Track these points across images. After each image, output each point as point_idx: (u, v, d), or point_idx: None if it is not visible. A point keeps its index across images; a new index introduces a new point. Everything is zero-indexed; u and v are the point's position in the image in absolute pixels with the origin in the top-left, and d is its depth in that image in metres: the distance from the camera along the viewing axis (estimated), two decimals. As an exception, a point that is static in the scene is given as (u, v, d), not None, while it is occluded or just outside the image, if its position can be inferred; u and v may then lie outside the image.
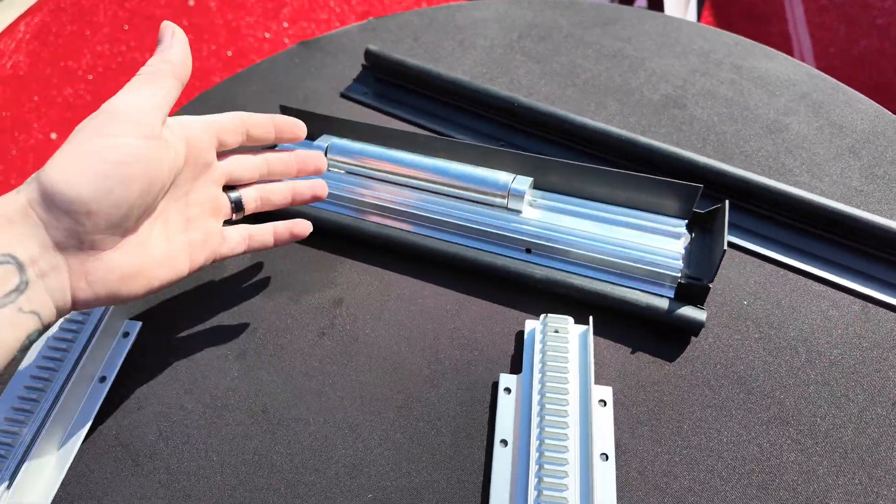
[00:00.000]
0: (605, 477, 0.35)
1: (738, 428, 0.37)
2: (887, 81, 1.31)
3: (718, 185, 0.48)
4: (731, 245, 0.47)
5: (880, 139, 0.52)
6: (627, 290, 0.43)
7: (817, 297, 0.43)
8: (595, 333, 0.42)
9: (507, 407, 0.38)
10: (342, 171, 0.51)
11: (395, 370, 0.41)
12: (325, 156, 0.49)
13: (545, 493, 0.33)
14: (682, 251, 0.43)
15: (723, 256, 0.40)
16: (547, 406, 0.36)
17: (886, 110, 0.55)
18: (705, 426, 0.37)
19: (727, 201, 0.43)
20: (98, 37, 0.87)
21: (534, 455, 0.35)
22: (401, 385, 0.40)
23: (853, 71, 1.32)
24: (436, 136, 0.51)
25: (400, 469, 0.36)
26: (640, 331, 0.42)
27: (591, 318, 0.40)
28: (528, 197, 0.47)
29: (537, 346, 0.39)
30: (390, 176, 0.49)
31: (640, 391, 0.39)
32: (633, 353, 0.41)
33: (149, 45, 0.90)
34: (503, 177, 0.46)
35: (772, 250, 0.46)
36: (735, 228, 0.48)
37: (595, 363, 0.40)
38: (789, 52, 1.21)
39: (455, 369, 0.41)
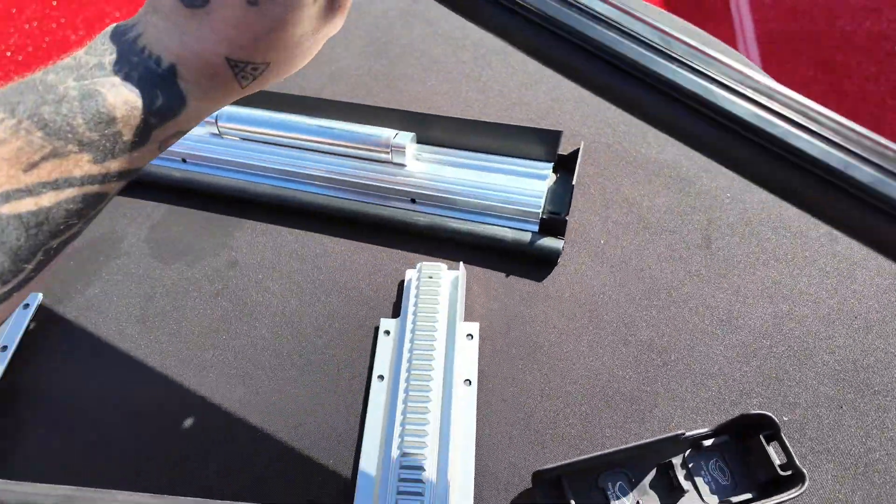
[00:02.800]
0: (467, 400, 0.40)
1: (587, 350, 0.42)
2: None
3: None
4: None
5: None
6: (498, 228, 0.47)
7: (665, 232, 0.48)
8: (469, 275, 0.46)
9: (385, 347, 0.42)
10: (236, 139, 0.53)
11: (287, 323, 0.45)
12: (217, 124, 0.51)
13: (409, 416, 0.37)
14: (545, 190, 0.47)
15: (572, 192, 0.44)
16: (416, 342, 0.41)
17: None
18: (558, 350, 0.42)
19: (582, 143, 0.48)
20: (26, 14, 0.84)
21: (402, 386, 0.39)
22: (291, 335, 0.44)
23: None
24: (323, 99, 0.53)
25: (288, 407, 0.40)
26: (511, 266, 0.46)
27: (461, 263, 0.45)
28: (411, 151, 0.50)
29: (412, 292, 0.44)
30: (282, 139, 0.52)
31: (505, 323, 0.44)
32: (501, 289, 0.45)
33: (81, 23, 0.87)
34: (386, 133, 0.49)
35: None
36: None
37: (466, 302, 0.45)
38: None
39: (343, 317, 0.45)
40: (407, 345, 0.41)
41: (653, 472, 0.36)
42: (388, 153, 0.49)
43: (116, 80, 0.26)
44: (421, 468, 0.36)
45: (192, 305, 0.46)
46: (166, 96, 0.26)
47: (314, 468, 0.38)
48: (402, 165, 0.50)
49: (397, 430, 0.37)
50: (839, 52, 2.08)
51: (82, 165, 0.25)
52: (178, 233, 0.50)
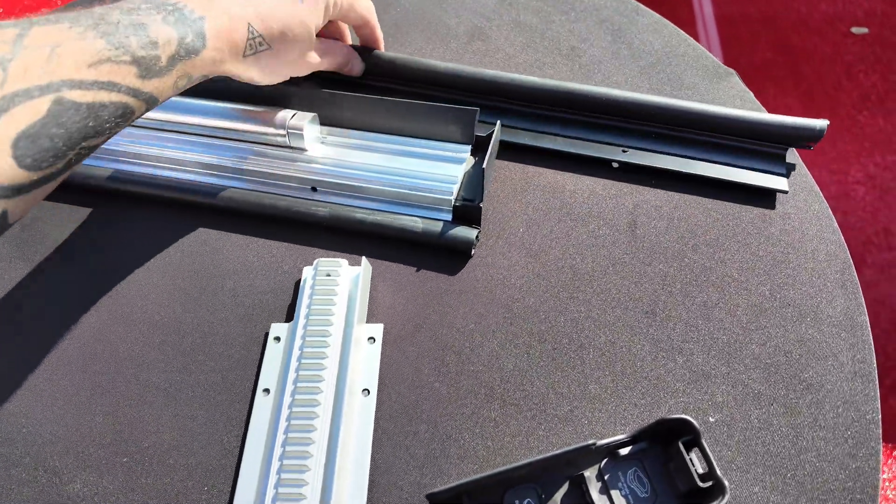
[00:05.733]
0: (364, 412, 0.36)
1: (499, 349, 0.38)
2: None
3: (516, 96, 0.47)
4: (530, 164, 0.46)
5: (673, 61, 0.53)
6: (408, 218, 0.42)
7: (588, 218, 0.44)
8: (375, 271, 0.42)
9: (274, 355, 0.38)
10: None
11: (171, 331, 0.40)
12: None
13: (291, 435, 0.33)
14: (460, 175, 0.43)
15: (483, 176, 0.40)
16: (306, 350, 0.36)
17: (683, 32, 0.55)
18: (469, 351, 0.38)
19: (499, 122, 0.43)
20: None
21: (287, 399, 0.35)
22: (174, 346, 0.39)
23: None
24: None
25: (165, 425, 0.36)
26: (422, 259, 0.42)
27: (364, 258, 0.40)
28: (312, 133, 0.45)
29: (307, 292, 0.39)
30: (166, 124, 0.46)
31: (413, 324, 0.39)
32: (410, 286, 0.41)
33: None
34: (282, 114, 0.44)
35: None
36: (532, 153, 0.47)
37: (370, 301, 0.40)
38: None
39: (232, 324, 0.40)
40: (296, 352, 0.36)
41: (565, 487, 0.32)
42: (284, 136, 0.44)
43: (158, 17, 0.32)
44: (300, 495, 0.31)
45: (50, 317, 0.40)
46: (193, 36, 0.33)
47: (188, 486, 0.33)
48: (302, 150, 0.45)
49: (278, 451, 0.33)
50: (796, 35, 2.07)
51: (130, 77, 0.30)
52: (47, 230, 0.44)
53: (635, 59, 0.53)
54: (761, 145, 0.44)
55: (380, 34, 0.48)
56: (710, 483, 0.30)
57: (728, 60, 2.02)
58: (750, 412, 0.35)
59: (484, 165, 0.40)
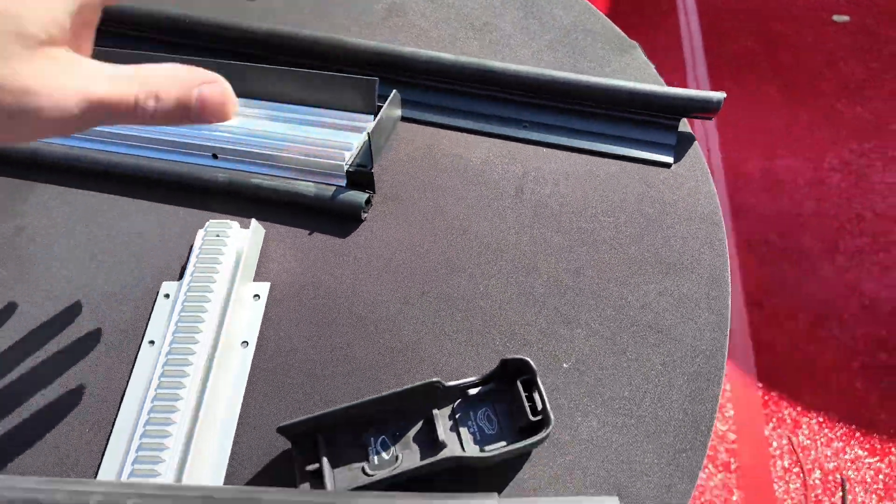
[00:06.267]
0: (242, 361, 0.38)
1: (380, 304, 0.40)
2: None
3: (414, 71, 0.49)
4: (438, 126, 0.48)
5: (580, 35, 0.55)
6: (302, 183, 0.44)
7: (479, 184, 0.46)
8: (270, 234, 0.43)
9: (162, 311, 0.40)
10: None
11: (74, 292, 0.42)
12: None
13: (164, 380, 0.35)
14: (355, 143, 0.45)
15: (368, 142, 0.42)
16: (187, 304, 0.38)
17: (593, 6, 0.57)
18: (350, 307, 0.40)
19: (394, 92, 0.45)
20: None
21: (165, 349, 0.37)
22: (75, 305, 0.41)
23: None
24: (116, 50, 0.49)
25: (56, 382, 0.38)
26: (316, 223, 0.44)
27: (253, 220, 0.42)
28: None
29: (195, 252, 0.41)
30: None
31: (300, 283, 0.41)
32: (302, 248, 0.43)
33: None
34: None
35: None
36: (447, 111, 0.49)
37: (261, 262, 0.42)
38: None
39: (131, 284, 0.42)
40: (179, 307, 0.38)
41: (418, 426, 0.34)
42: (189, 108, 0.46)
43: None
44: (166, 433, 0.33)
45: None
46: None
47: (69, 432, 0.35)
48: (208, 121, 0.47)
49: (151, 394, 0.35)
50: (778, 22, 2.08)
51: None
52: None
53: (544, 32, 0.54)
54: (656, 116, 0.45)
55: None
56: (539, 417, 0.32)
57: (709, 49, 2.03)
58: (604, 359, 0.37)
59: (369, 131, 0.41)
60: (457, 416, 0.34)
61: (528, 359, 0.32)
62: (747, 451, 1.37)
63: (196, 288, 0.38)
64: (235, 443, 0.35)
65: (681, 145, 0.45)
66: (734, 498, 1.31)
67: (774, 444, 1.37)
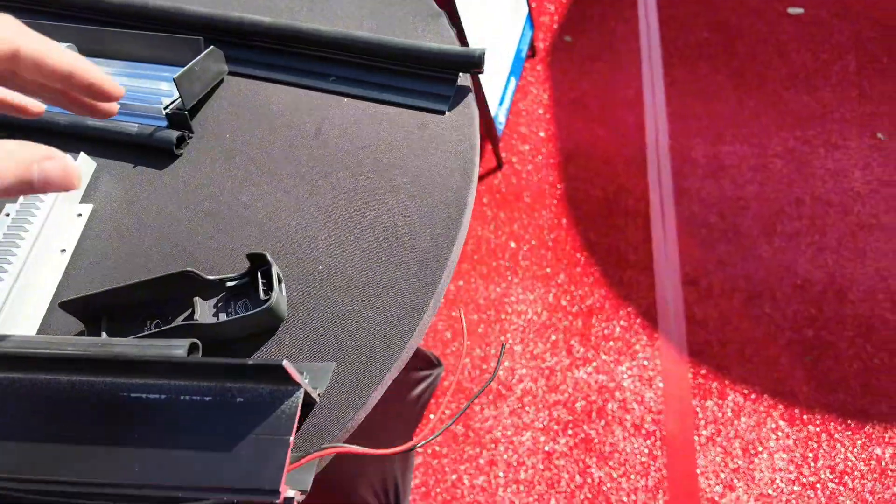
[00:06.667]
0: (58, 266, 0.45)
1: (185, 221, 0.47)
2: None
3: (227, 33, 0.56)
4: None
5: (397, 3, 0.61)
6: (127, 122, 0.52)
7: (284, 127, 0.53)
8: (103, 166, 0.51)
9: (2, 226, 0.48)
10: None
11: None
12: None
13: (-18, 273, 0.43)
14: (176, 91, 0.52)
15: (179, 87, 0.49)
16: (16, 218, 0.46)
17: None
18: (158, 229, 0.47)
19: (212, 47, 0.53)
20: None
21: (-9, 252, 0.45)
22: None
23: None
24: None
25: None
26: (141, 157, 0.52)
27: (81, 153, 0.50)
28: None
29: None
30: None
31: (122, 207, 0.49)
32: (128, 178, 0.51)
33: None
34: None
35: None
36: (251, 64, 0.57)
37: (92, 188, 0.50)
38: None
39: (-16, 206, 0.50)
40: (9, 221, 0.46)
41: (187, 313, 0.41)
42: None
43: None
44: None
45: None
46: None
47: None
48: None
49: (-30, 286, 0.43)
50: (734, 14, 2.13)
51: None
52: None
53: (366, 2, 0.61)
54: (438, 71, 0.52)
55: (83, 69, 0.33)
56: (267, 298, 0.39)
57: (666, 39, 2.08)
58: (352, 256, 0.44)
59: (175, 77, 0.49)
60: (219, 305, 0.42)
61: (265, 252, 0.40)
62: (673, 421, 1.43)
63: (26, 205, 0.46)
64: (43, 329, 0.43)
65: (458, 97, 0.52)
66: (657, 463, 1.37)
67: (700, 414, 1.43)
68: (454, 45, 0.51)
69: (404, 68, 0.52)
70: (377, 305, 0.41)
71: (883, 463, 1.32)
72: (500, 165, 1.86)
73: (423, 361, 1.41)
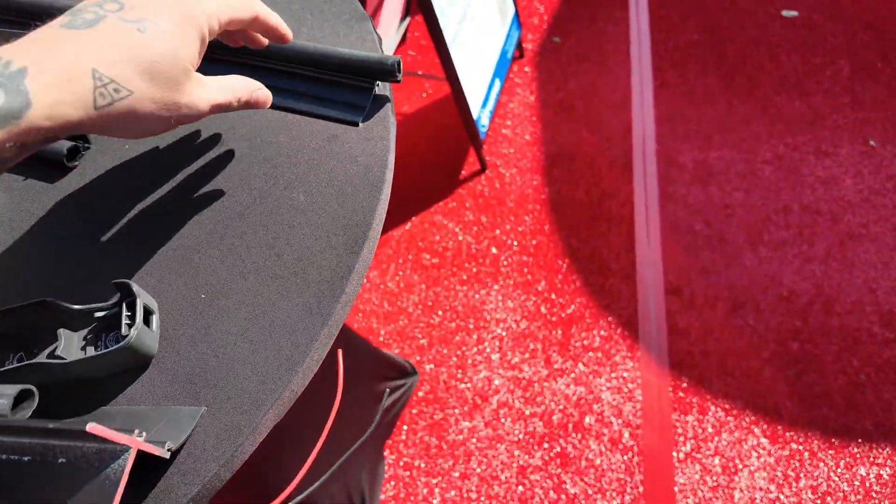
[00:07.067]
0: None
1: (71, 241, 0.44)
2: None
3: None
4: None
5: (325, 7, 0.57)
6: None
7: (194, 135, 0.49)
8: (-6, 181, 0.48)
9: None
10: None
11: None
12: None
13: None
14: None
15: None
16: None
17: None
18: (40, 242, 0.44)
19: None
20: None
21: None
22: None
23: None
24: None
25: None
26: (28, 170, 0.48)
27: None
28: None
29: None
30: None
31: (7, 220, 0.45)
32: (16, 189, 0.47)
33: None
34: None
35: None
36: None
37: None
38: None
39: None
40: None
41: (53, 346, 0.37)
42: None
43: None
44: None
45: None
46: (8, 96, 0.26)
47: None
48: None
49: None
50: (726, 16, 2.08)
51: None
52: None
53: (293, 3, 0.57)
54: (354, 79, 0.48)
55: (277, 22, 0.41)
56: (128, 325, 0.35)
57: (656, 42, 2.04)
58: (239, 283, 0.40)
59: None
60: (88, 338, 0.38)
61: (128, 281, 0.36)
62: (652, 436, 1.39)
63: None
64: None
65: (376, 107, 0.48)
66: (634, 480, 1.33)
67: (679, 429, 1.39)
68: (369, 52, 0.47)
69: (318, 75, 0.48)
70: (264, 339, 0.37)
71: (868, 484, 1.28)
72: (483, 168, 1.82)
73: (395, 370, 1.38)
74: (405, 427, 1.44)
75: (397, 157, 1.94)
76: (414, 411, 1.45)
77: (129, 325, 0.35)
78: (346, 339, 1.09)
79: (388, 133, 0.46)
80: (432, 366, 1.51)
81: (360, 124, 0.47)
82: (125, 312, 0.36)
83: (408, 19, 2.01)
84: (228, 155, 0.47)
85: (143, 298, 0.36)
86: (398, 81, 0.46)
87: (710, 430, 1.38)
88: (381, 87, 0.48)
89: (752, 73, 1.92)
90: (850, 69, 1.88)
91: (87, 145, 0.48)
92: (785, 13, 2.05)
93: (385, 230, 1.74)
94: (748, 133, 1.80)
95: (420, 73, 1.97)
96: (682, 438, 1.38)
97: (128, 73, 0.30)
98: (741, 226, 1.64)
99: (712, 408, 1.40)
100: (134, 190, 0.46)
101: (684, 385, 1.44)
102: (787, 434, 1.35)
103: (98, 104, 0.29)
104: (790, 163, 1.73)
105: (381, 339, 1.57)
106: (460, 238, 1.70)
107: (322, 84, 0.48)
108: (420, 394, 1.49)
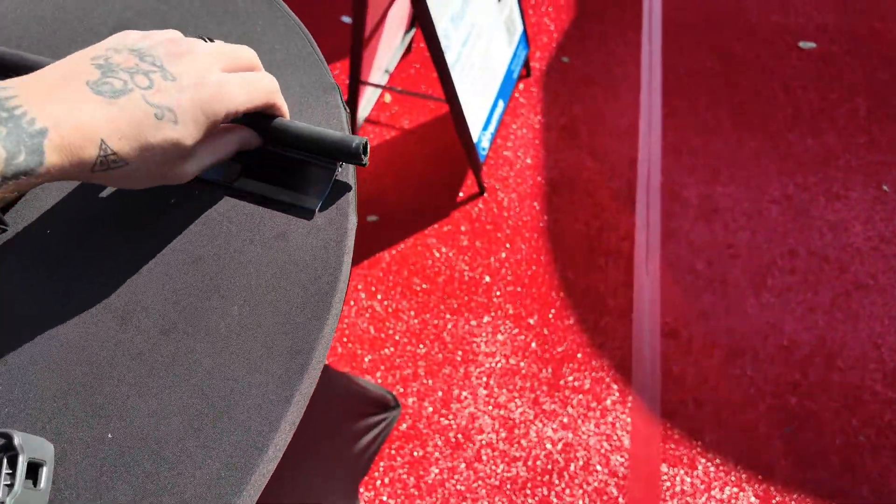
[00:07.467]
0: None
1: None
2: None
3: None
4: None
5: (291, 70, 0.51)
6: None
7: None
8: None
9: None
10: None
11: None
12: None
13: None
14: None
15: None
16: None
17: (313, 42, 0.53)
18: None
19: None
20: None
21: None
22: None
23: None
24: None
25: None
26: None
27: None
28: None
29: None
30: None
31: None
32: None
33: None
34: None
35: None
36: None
37: None
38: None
39: None
40: None
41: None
42: None
43: None
44: None
45: None
46: (28, 154, 0.28)
47: None
48: None
49: None
50: (740, 43, 2.01)
51: None
52: None
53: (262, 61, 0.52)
54: (314, 158, 0.42)
55: (286, 112, 0.42)
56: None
57: (667, 67, 1.97)
58: (153, 420, 0.34)
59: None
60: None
61: (11, 431, 0.30)
62: (638, 488, 1.33)
63: None
64: None
65: (335, 194, 0.42)
66: (616, 535, 1.28)
67: (668, 483, 1.33)
68: (329, 130, 0.41)
69: (274, 150, 0.42)
70: (175, 490, 0.32)
71: (859, 553, 1.22)
72: (481, 191, 1.76)
73: (375, 406, 1.32)
74: (382, 463, 1.39)
75: (394, 173, 1.89)
76: (394, 446, 1.40)
77: (9, 487, 0.30)
78: (325, 380, 1.03)
79: (346, 237, 0.40)
80: (415, 399, 1.46)
81: (317, 213, 0.41)
82: (5, 470, 0.30)
83: (413, 30, 1.95)
84: (157, 248, 0.41)
85: (27, 452, 0.31)
86: (363, 165, 0.41)
87: (699, 485, 1.33)
88: (343, 173, 0.43)
89: (765, 105, 1.86)
90: (867, 107, 1.82)
91: (2, 227, 0.42)
92: (802, 44, 1.98)
93: (376, 250, 1.68)
94: (757, 169, 1.74)
95: (419, 94, 1.91)
96: (669, 493, 1.32)
97: (130, 149, 0.32)
98: (744, 268, 1.58)
99: (703, 462, 1.35)
100: (48, 291, 0.40)
101: (676, 436, 1.38)
102: (779, 498, 1.29)
103: (96, 170, 0.31)
104: (799, 204, 1.67)
105: (365, 366, 1.52)
106: (454, 264, 1.65)
107: (281, 164, 0.42)
108: (402, 427, 1.44)
